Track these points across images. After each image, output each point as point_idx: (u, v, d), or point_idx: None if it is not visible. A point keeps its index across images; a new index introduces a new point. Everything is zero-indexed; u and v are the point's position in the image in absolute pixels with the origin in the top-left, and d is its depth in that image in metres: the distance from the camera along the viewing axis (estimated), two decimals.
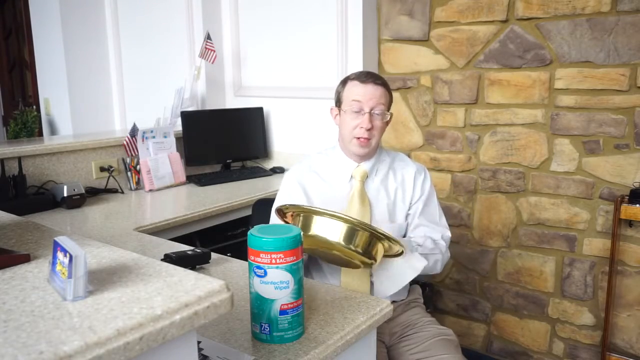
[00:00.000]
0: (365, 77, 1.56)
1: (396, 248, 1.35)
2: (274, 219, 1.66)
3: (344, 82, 1.62)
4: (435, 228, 1.62)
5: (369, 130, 1.53)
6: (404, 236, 1.63)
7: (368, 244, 1.28)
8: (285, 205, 1.36)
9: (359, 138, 1.54)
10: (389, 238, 1.30)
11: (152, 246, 1.65)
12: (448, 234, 1.64)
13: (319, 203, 1.61)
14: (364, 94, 1.53)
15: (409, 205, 1.62)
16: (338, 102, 1.63)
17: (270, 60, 2.93)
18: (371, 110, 1.53)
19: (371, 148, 1.57)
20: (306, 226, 1.29)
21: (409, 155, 2.59)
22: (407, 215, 1.64)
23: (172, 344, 0.71)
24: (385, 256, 1.38)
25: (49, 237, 1.02)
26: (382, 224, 1.54)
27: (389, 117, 1.58)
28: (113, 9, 3.55)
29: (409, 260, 1.40)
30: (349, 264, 1.37)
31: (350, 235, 1.25)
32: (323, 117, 2.68)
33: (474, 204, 2.50)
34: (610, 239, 2.15)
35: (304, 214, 1.31)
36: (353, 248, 1.26)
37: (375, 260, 1.32)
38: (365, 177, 1.59)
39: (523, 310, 2.45)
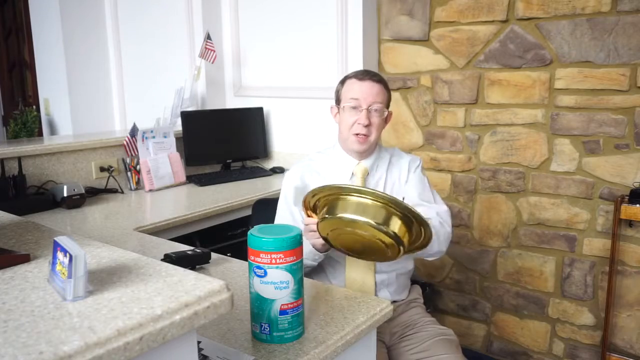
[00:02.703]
0: (363, 74, 1.58)
1: (422, 235, 1.26)
2: (279, 219, 1.67)
3: (342, 81, 1.63)
4: (430, 206, 1.58)
5: (367, 126, 1.53)
6: None
7: (399, 227, 1.17)
8: (314, 190, 1.27)
9: (357, 134, 1.55)
10: (419, 220, 1.19)
11: (152, 246, 1.65)
12: (444, 207, 1.58)
13: None
14: (361, 91, 1.55)
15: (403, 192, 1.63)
16: (337, 101, 1.64)
17: (270, 60, 2.93)
18: (369, 106, 1.54)
19: (370, 145, 1.58)
20: (333, 209, 1.21)
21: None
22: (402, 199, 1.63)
23: (172, 344, 0.71)
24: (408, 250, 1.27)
25: (49, 237, 1.02)
26: None
27: (387, 114, 1.59)
28: (113, 9, 3.54)
29: None
30: (373, 252, 1.27)
31: (381, 215, 1.16)
32: (323, 117, 2.67)
33: (474, 204, 2.50)
34: (610, 239, 2.15)
35: (333, 195, 1.23)
36: (384, 229, 1.16)
37: (404, 247, 1.21)
38: (366, 174, 1.59)
39: (523, 310, 2.45)
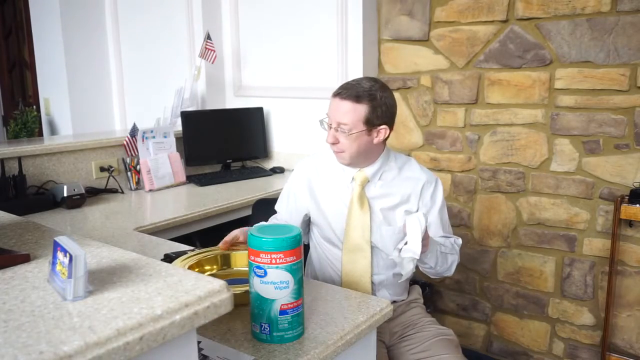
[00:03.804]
0: (338, 89, 1.52)
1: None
2: (278, 201, 1.71)
3: None
4: (450, 239, 1.64)
5: (334, 144, 1.52)
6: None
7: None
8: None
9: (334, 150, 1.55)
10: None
11: (152, 246, 1.65)
12: (459, 241, 1.66)
13: (323, 201, 1.62)
14: (330, 109, 1.52)
15: (414, 211, 1.61)
16: None
17: (270, 60, 2.93)
18: (336, 125, 1.50)
19: (348, 160, 1.54)
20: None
21: (408, 154, 2.60)
22: None
23: (172, 344, 0.71)
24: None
25: (49, 237, 1.02)
26: (380, 227, 1.55)
27: (358, 132, 1.47)
28: (113, 9, 3.54)
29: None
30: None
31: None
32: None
33: (474, 204, 2.50)
34: (610, 239, 2.15)
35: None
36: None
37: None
38: (365, 182, 1.58)
39: (523, 310, 2.45)
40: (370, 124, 1.49)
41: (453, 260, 1.59)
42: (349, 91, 1.48)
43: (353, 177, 1.59)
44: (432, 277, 1.63)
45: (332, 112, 1.51)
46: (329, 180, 1.63)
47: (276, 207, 1.75)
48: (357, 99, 1.47)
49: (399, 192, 1.59)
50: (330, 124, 1.52)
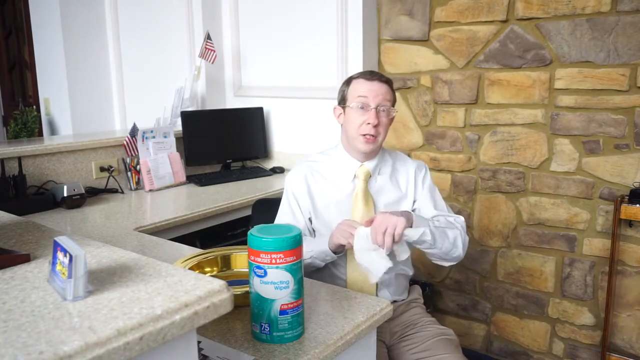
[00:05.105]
0: (371, 74, 1.57)
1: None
2: (280, 219, 1.66)
3: (348, 82, 1.61)
4: (449, 217, 1.59)
5: (375, 126, 1.52)
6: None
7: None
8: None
9: (365, 135, 1.53)
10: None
11: (152, 246, 1.65)
12: (460, 219, 1.59)
13: (322, 203, 1.61)
14: (370, 90, 1.53)
15: (412, 201, 1.63)
16: (342, 101, 1.61)
17: (270, 60, 2.93)
18: (377, 106, 1.52)
19: (377, 145, 1.56)
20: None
21: (409, 155, 2.60)
22: (413, 210, 1.63)
23: (172, 344, 0.71)
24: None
25: (49, 237, 1.02)
26: None
27: (394, 113, 1.59)
28: (113, 8, 3.55)
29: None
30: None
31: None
32: (323, 117, 2.67)
33: (474, 204, 2.50)
34: (610, 239, 2.16)
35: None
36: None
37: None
38: (368, 177, 1.58)
39: (523, 310, 2.45)
40: (393, 107, 1.58)
41: (456, 235, 1.50)
42: (382, 76, 1.57)
43: (355, 174, 1.59)
44: (443, 263, 1.54)
45: (373, 93, 1.53)
46: (327, 182, 1.62)
47: (283, 222, 1.65)
48: (389, 83, 1.57)
49: (398, 184, 1.63)
50: (367, 106, 1.52)
